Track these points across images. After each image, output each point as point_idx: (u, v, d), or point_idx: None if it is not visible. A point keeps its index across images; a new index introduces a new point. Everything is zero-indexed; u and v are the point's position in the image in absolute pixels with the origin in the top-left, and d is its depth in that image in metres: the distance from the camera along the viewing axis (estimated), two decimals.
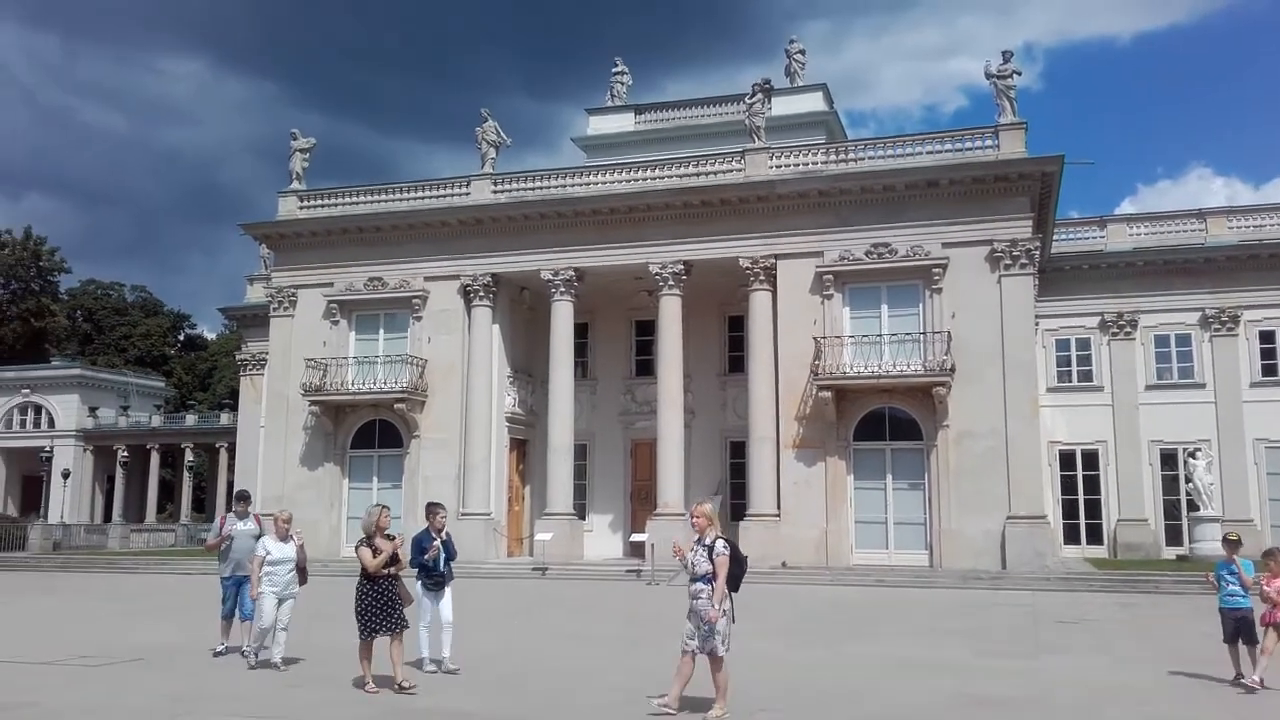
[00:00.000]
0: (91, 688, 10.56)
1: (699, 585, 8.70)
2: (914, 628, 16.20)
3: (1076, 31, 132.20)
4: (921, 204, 27.30)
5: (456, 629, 11.49)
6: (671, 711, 8.68)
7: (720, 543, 8.75)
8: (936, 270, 26.80)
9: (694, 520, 9.04)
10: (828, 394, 26.63)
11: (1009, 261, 26.48)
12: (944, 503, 26.17)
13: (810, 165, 28.70)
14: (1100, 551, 31.37)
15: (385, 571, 10.40)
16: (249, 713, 9.26)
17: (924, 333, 26.66)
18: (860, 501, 27.23)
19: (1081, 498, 32.29)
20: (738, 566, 8.83)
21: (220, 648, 12.53)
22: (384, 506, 10.92)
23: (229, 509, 14.64)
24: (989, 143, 27.39)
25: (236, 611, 12.66)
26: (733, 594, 8.77)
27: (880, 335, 27.10)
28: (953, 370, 26.02)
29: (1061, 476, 32.34)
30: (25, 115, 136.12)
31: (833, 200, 27.94)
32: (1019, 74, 27.49)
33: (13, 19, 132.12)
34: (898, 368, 26.59)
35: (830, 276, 27.58)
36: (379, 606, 10.30)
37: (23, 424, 61.49)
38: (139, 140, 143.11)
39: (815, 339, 27.07)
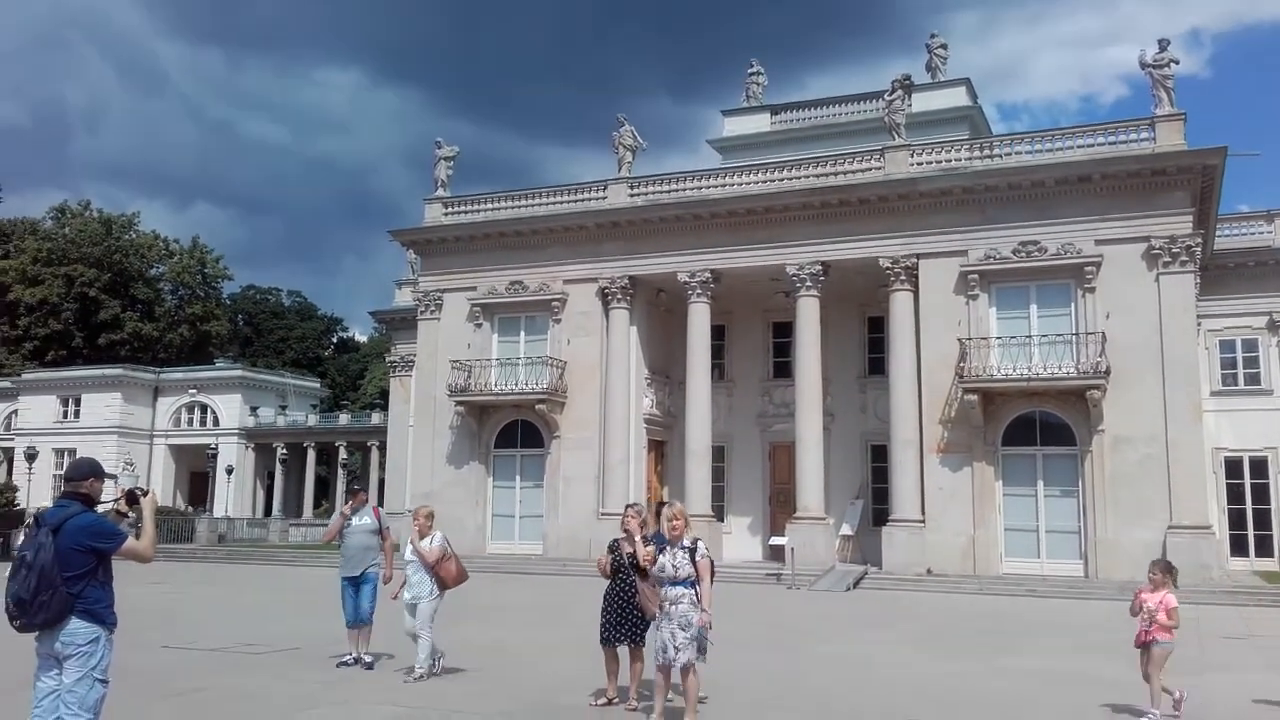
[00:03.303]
0: (254, 675, 11.10)
1: (680, 590, 8.17)
2: (1069, 640, 15.60)
3: (1248, 15, 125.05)
4: (1072, 200, 26.28)
5: None
6: None
7: (702, 544, 8.38)
8: (1089, 269, 25.74)
9: (673, 522, 8.44)
10: (974, 397, 25.89)
11: (1168, 259, 25.23)
12: (1099, 511, 25.10)
13: (953, 162, 27.98)
14: (1270, 564, 29.50)
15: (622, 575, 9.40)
16: (397, 701, 9.57)
17: (1076, 333, 25.63)
18: (1010, 508, 26.35)
19: (1249, 507, 30.44)
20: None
21: (348, 658, 11.56)
22: (632, 505, 9.81)
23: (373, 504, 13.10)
24: (1145, 135, 26.16)
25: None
26: None
27: (1029, 336, 26.17)
28: (1108, 373, 24.94)
29: (1227, 485, 30.58)
30: (191, 129, 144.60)
31: (977, 197, 27.16)
32: (1176, 62, 26.18)
33: (180, 36, 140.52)
34: (1048, 370, 25.63)
35: (975, 276, 26.80)
36: (604, 611, 9.49)
37: (190, 422, 65.06)
38: (296, 150, 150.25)
39: (960, 340, 26.35)
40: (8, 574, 5.49)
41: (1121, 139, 26.57)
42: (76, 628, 5.42)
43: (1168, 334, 25.02)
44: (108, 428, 61.75)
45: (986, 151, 28.07)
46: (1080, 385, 25.11)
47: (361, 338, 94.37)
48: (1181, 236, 25.26)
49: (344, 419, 64.11)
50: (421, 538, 10.90)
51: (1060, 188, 26.34)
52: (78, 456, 6.50)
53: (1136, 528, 24.58)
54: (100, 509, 5.77)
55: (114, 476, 6.86)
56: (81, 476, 5.77)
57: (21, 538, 33.78)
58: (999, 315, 26.85)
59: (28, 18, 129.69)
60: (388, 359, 43.82)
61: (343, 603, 11.82)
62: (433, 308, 33.44)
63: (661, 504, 10.82)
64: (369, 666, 11.32)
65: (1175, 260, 25.23)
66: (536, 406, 30.92)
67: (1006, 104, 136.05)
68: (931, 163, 28.17)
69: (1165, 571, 9.48)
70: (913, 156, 28.36)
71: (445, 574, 10.79)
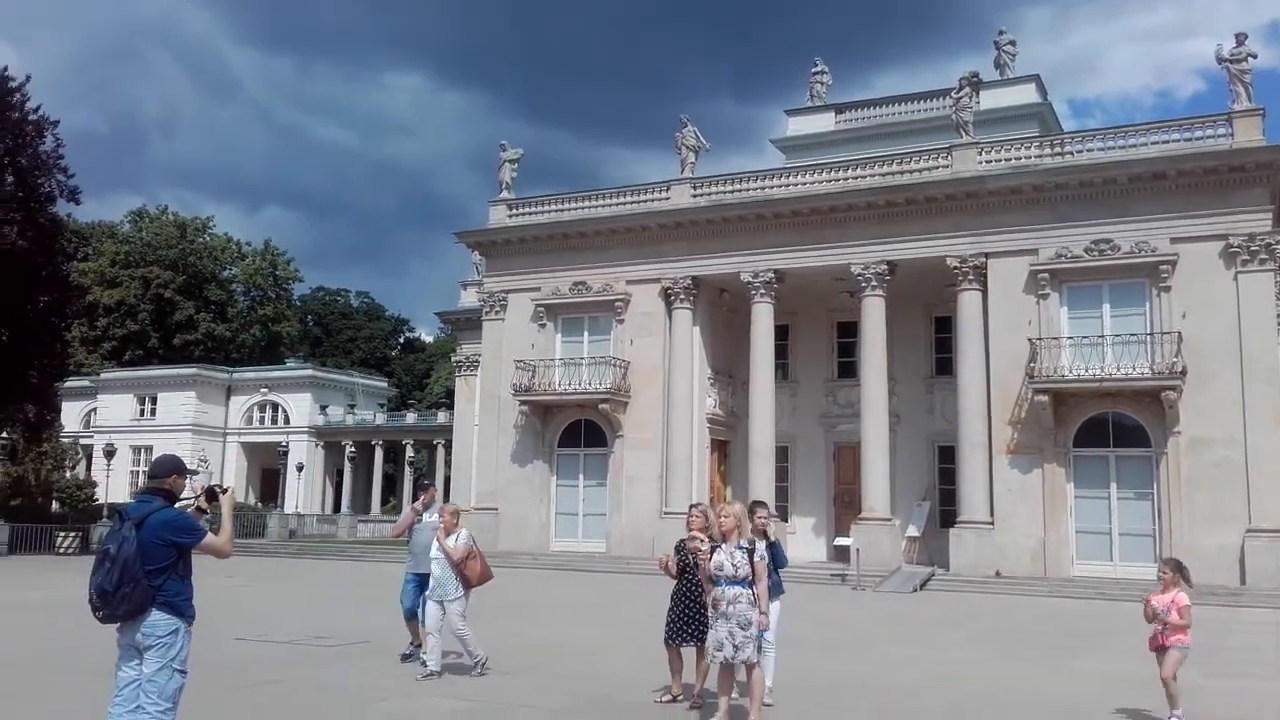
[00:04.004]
0: (325, 667, 11.32)
1: (738, 590, 8.13)
2: (1140, 644, 15.20)
3: None
4: (1146, 197, 25.72)
5: None
6: None
7: (761, 545, 8.45)
8: (1164, 267, 25.16)
9: (722, 520, 8.40)
10: (1044, 398, 25.46)
11: (1246, 257, 24.58)
12: (1175, 514, 24.54)
13: (1023, 159, 27.55)
14: None
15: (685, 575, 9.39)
16: (464, 695, 9.70)
17: (1150, 333, 25.08)
18: (1081, 511, 25.88)
19: None
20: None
21: (408, 650, 11.66)
22: (695, 504, 9.76)
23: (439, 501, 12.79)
24: (1222, 131, 25.52)
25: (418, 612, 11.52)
26: None
27: (1102, 336, 25.68)
28: (1183, 373, 24.36)
29: None
30: (262, 134, 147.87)
31: (1048, 195, 26.70)
32: (1254, 56, 25.49)
33: (251, 44, 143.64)
34: (1122, 370, 25.12)
35: (1046, 275, 26.35)
36: (670, 611, 9.48)
37: (262, 420, 66.48)
38: (363, 153, 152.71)
39: (1030, 340, 25.92)
40: (92, 566, 5.66)
41: (1198, 135, 25.96)
42: (157, 619, 5.55)
43: (1246, 334, 24.39)
44: (183, 425, 63.35)
45: (1057, 149, 27.59)
46: (1155, 386, 24.57)
47: (428, 338, 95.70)
48: (1261, 234, 24.61)
49: (411, 418, 65.02)
50: (447, 535, 10.71)
51: (1134, 185, 25.80)
52: (160, 454, 6.64)
53: (1213, 531, 24.01)
54: (179, 505, 5.91)
55: (195, 473, 6.90)
56: (164, 473, 5.92)
57: (101, 532, 34.81)
58: (1071, 315, 26.39)
59: (105, 26, 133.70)
60: (453, 359, 44.33)
61: (401, 595, 11.88)
62: (497, 308, 33.75)
63: (754, 502, 10.69)
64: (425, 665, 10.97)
65: (1254, 259, 24.58)
66: (600, 406, 31.05)
67: (1079, 100, 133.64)
68: (1000, 160, 27.76)
69: (1176, 570, 9.02)
70: (981, 154, 27.98)
71: (470, 573, 10.63)
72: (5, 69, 37.81)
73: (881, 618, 18.85)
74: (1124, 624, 17.96)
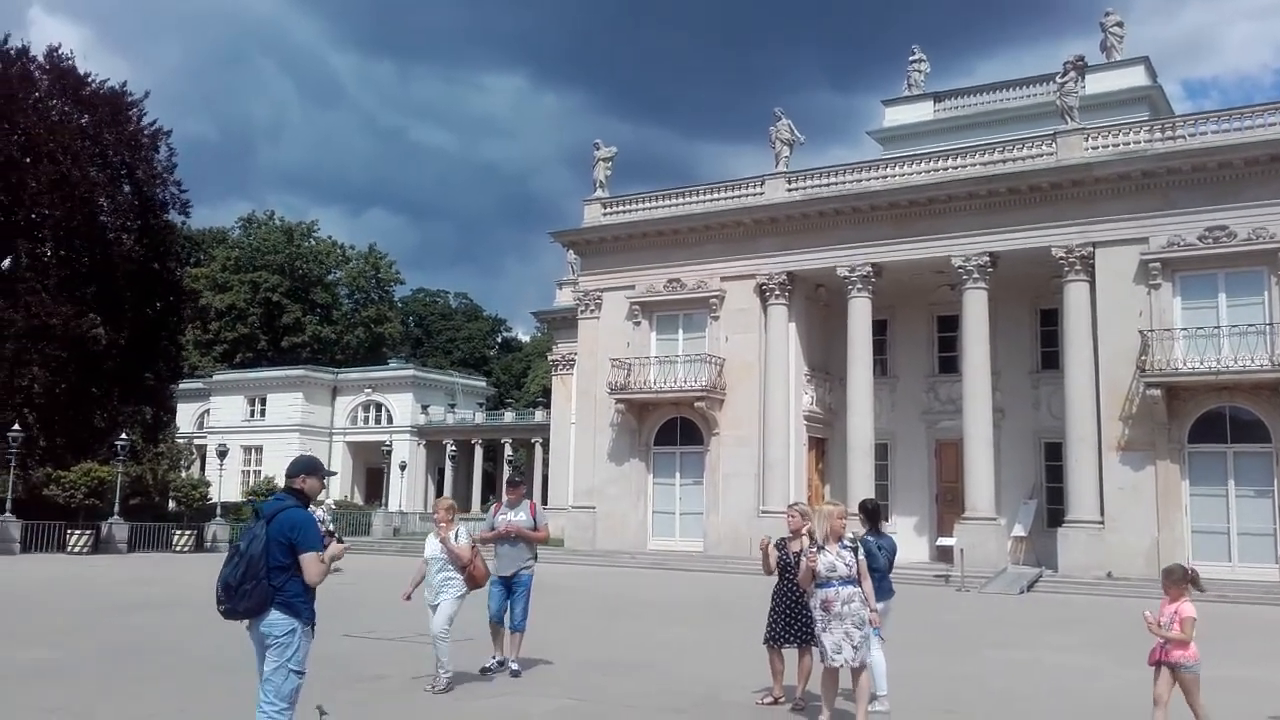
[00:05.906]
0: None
1: (852, 589, 8.05)
2: (1262, 647, 14.62)
3: None
4: (1264, 181, 24.63)
5: None
6: None
7: (860, 545, 8.42)
8: None
9: (836, 521, 8.30)
10: (1157, 392, 24.57)
11: None
12: None
13: (1132, 145, 26.61)
14: None
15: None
16: (567, 694, 9.76)
17: (1270, 323, 23.99)
18: (1197, 509, 24.91)
19: None
20: None
21: (490, 662, 10.87)
22: (794, 504, 9.59)
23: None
24: None
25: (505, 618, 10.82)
26: None
27: (1218, 327, 24.68)
28: None
29: None
30: (366, 138, 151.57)
31: (1159, 181, 25.75)
32: None
33: (354, 49, 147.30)
34: (1239, 362, 24.08)
35: (1158, 264, 25.42)
36: (771, 611, 9.44)
37: (366, 420, 68.11)
38: (463, 155, 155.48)
39: (1141, 332, 25.05)
40: (224, 560, 5.82)
41: None
42: (275, 619, 5.66)
43: None
44: (291, 426, 65.27)
45: (1168, 132, 26.59)
46: (1275, 378, 23.58)
47: (524, 337, 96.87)
48: None
49: (509, 417, 65.90)
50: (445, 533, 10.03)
51: (1250, 169, 24.72)
52: (298, 455, 6.84)
53: None
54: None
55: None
56: (294, 473, 6.02)
57: (214, 530, 36.08)
58: (1184, 305, 25.44)
59: (214, 37, 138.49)
60: (549, 358, 44.77)
61: (489, 599, 10.92)
62: (592, 307, 33.94)
63: (861, 501, 10.62)
64: (515, 674, 10.60)
65: None
66: (695, 404, 30.98)
67: (1194, 81, 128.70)
68: (1108, 146, 26.89)
69: (1181, 580, 7.85)
70: (1087, 140, 27.12)
71: (477, 573, 9.98)
72: (124, 84, 39.52)
73: (989, 620, 18.42)
74: (1244, 628, 17.24)
